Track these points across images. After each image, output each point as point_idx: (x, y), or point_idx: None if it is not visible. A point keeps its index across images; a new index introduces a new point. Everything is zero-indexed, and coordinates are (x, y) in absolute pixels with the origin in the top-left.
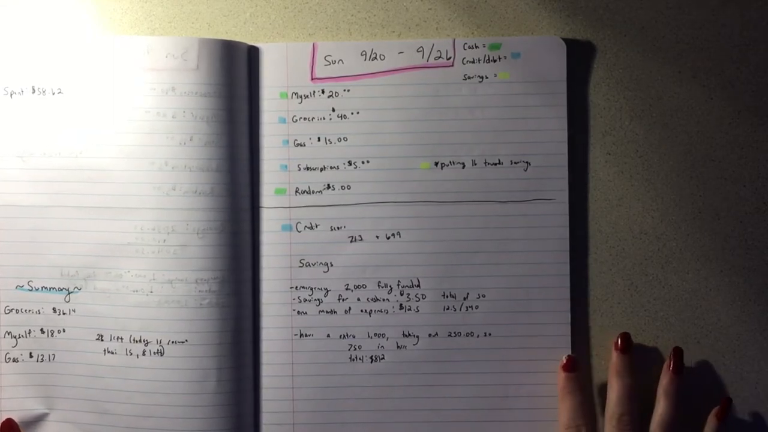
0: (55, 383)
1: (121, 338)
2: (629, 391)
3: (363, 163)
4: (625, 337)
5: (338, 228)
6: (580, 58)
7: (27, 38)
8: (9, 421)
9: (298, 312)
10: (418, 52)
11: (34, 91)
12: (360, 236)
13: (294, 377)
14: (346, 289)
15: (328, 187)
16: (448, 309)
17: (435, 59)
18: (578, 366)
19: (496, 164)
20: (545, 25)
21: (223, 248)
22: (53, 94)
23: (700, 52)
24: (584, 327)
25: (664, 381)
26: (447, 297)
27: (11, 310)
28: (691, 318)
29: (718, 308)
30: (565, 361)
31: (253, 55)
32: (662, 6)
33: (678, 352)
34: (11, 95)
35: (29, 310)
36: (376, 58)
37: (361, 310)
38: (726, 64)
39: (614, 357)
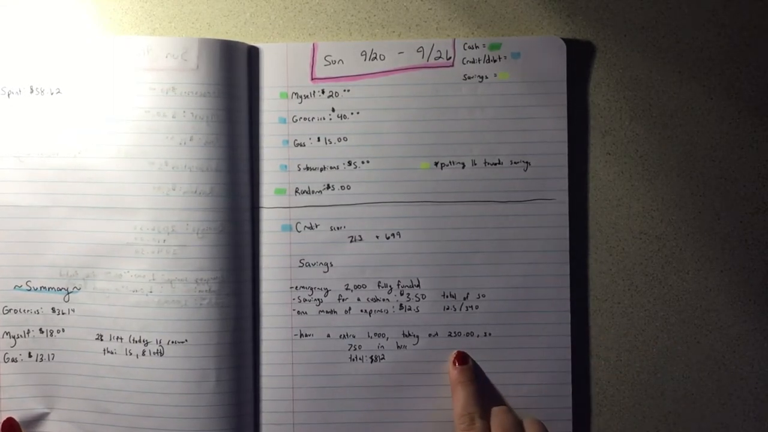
0: (55, 383)
1: (121, 338)
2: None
3: (363, 163)
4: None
5: (338, 228)
6: (580, 58)
7: (26, 38)
8: (10, 421)
9: (298, 312)
10: (418, 52)
11: (32, 91)
12: (360, 236)
13: (294, 377)
14: (346, 289)
15: (328, 187)
16: (448, 309)
17: (435, 59)
18: (468, 359)
19: (496, 164)
20: (545, 25)
21: (222, 248)
22: (52, 94)
23: (700, 52)
24: (584, 327)
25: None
26: (447, 297)
27: (9, 311)
28: (691, 318)
29: (718, 308)
30: (455, 356)
31: (253, 55)
32: (662, 6)
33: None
34: (9, 95)
35: (28, 310)
36: (376, 58)
37: (361, 310)
38: (726, 64)
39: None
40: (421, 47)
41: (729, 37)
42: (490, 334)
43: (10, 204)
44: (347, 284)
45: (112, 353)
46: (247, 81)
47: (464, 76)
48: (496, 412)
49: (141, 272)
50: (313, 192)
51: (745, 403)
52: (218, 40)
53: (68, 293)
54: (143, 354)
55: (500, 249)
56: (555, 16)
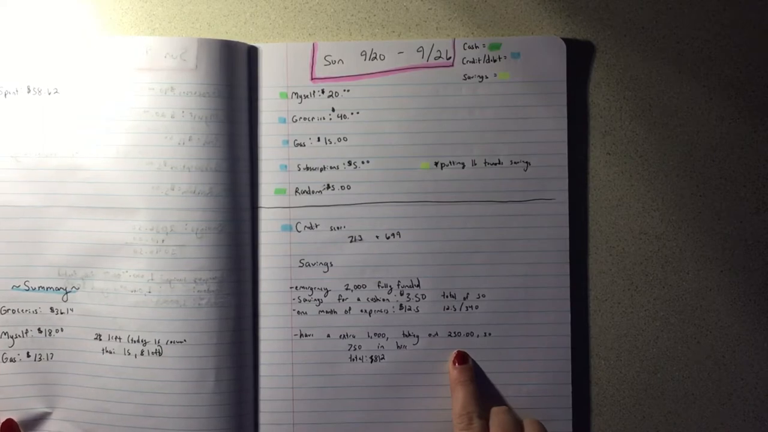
0: (54, 382)
1: (120, 338)
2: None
3: (363, 163)
4: (461, 353)
5: (338, 228)
6: (580, 58)
7: (23, 37)
8: (9, 422)
9: (298, 312)
10: (418, 52)
11: (29, 91)
12: (360, 236)
13: (294, 377)
14: (346, 289)
15: (328, 187)
16: (448, 309)
17: (435, 59)
18: (468, 358)
19: (496, 164)
20: (545, 25)
21: (222, 248)
22: (49, 94)
23: (700, 52)
24: (584, 327)
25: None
26: (447, 297)
27: (7, 311)
28: (691, 318)
29: (718, 308)
30: (455, 356)
31: (252, 55)
32: (662, 6)
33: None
34: (6, 95)
35: (26, 310)
36: (376, 58)
37: (361, 310)
38: (726, 64)
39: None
40: (421, 47)
41: (729, 37)
42: (490, 334)
43: (8, 204)
44: (347, 284)
45: (110, 353)
46: (246, 81)
47: (464, 76)
48: (495, 411)
49: (139, 272)
50: (313, 192)
51: (745, 403)
52: (217, 40)
53: (67, 293)
54: (142, 354)
55: (500, 249)
56: (555, 16)
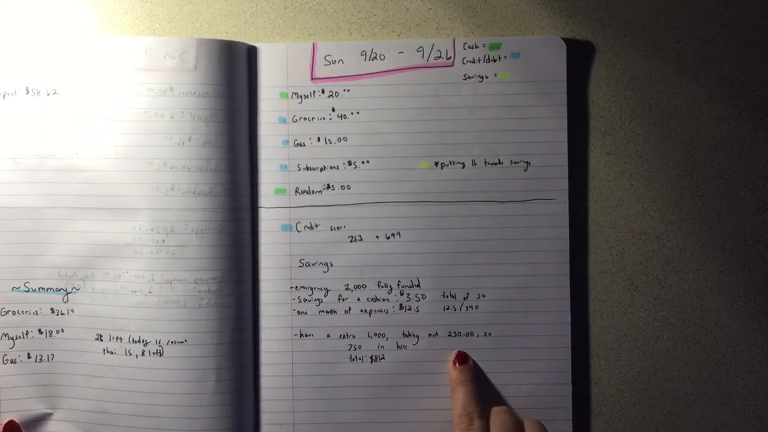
0: (55, 383)
1: (120, 338)
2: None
3: (363, 163)
4: (461, 353)
5: (338, 228)
6: (580, 58)
7: (23, 38)
8: (11, 423)
9: (298, 312)
10: (418, 52)
11: (28, 92)
12: (360, 236)
13: (294, 377)
14: (346, 289)
15: (328, 187)
16: (448, 309)
17: (435, 59)
18: (468, 358)
19: (495, 164)
20: (545, 25)
21: (222, 248)
22: (48, 94)
23: (700, 52)
24: (584, 327)
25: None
26: (447, 297)
27: (8, 312)
28: (691, 318)
29: (718, 308)
30: (455, 356)
31: (252, 55)
32: (662, 6)
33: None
34: (4, 96)
35: (26, 311)
36: (376, 58)
37: (361, 310)
38: (726, 64)
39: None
40: (421, 47)
41: (729, 37)
42: (490, 334)
43: (8, 205)
44: (347, 284)
45: (111, 353)
46: (246, 81)
47: (464, 76)
48: (496, 411)
49: (140, 272)
50: (313, 192)
51: (745, 403)
52: (216, 40)
53: (67, 294)
54: (143, 354)
55: (500, 249)
56: (555, 16)
